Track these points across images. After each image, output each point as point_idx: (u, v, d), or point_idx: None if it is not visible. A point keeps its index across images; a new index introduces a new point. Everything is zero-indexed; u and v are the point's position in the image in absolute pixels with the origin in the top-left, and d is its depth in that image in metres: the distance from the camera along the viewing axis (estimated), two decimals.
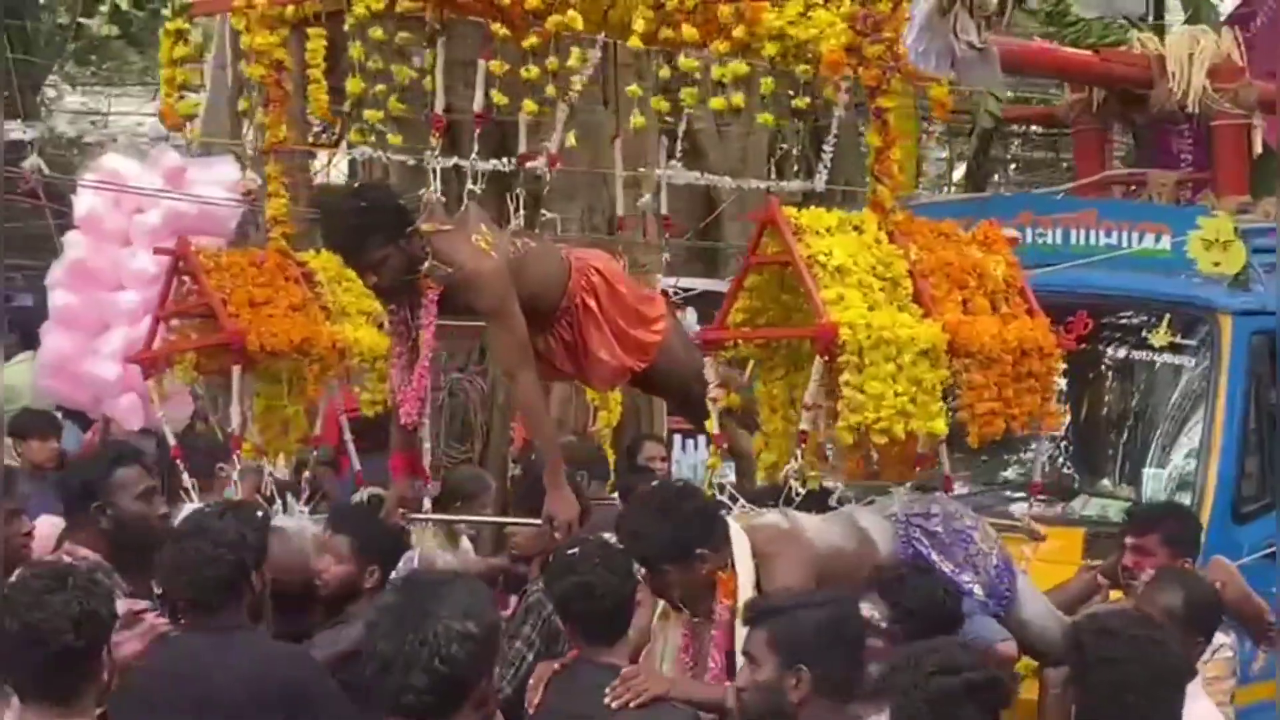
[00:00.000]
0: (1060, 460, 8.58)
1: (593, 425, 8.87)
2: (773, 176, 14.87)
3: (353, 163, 10.36)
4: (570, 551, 5.78)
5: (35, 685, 4.39)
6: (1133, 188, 10.55)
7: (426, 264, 6.32)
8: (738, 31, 6.35)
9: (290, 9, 7.34)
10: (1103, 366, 8.68)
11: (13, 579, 4.87)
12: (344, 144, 8.06)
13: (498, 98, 7.04)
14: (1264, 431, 8.24)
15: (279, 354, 7.07)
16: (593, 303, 6.76)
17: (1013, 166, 15.43)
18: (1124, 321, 8.53)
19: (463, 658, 3.79)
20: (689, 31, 6.36)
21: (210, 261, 7.19)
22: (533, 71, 6.74)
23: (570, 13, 6.54)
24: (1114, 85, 10.11)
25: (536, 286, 6.62)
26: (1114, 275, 8.51)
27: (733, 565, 5.72)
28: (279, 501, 7.16)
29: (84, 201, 10.46)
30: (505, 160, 7.42)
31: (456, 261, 6.35)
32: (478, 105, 6.93)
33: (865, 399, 5.99)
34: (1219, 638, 6.30)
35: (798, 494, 6.14)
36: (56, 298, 10.46)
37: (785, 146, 15.94)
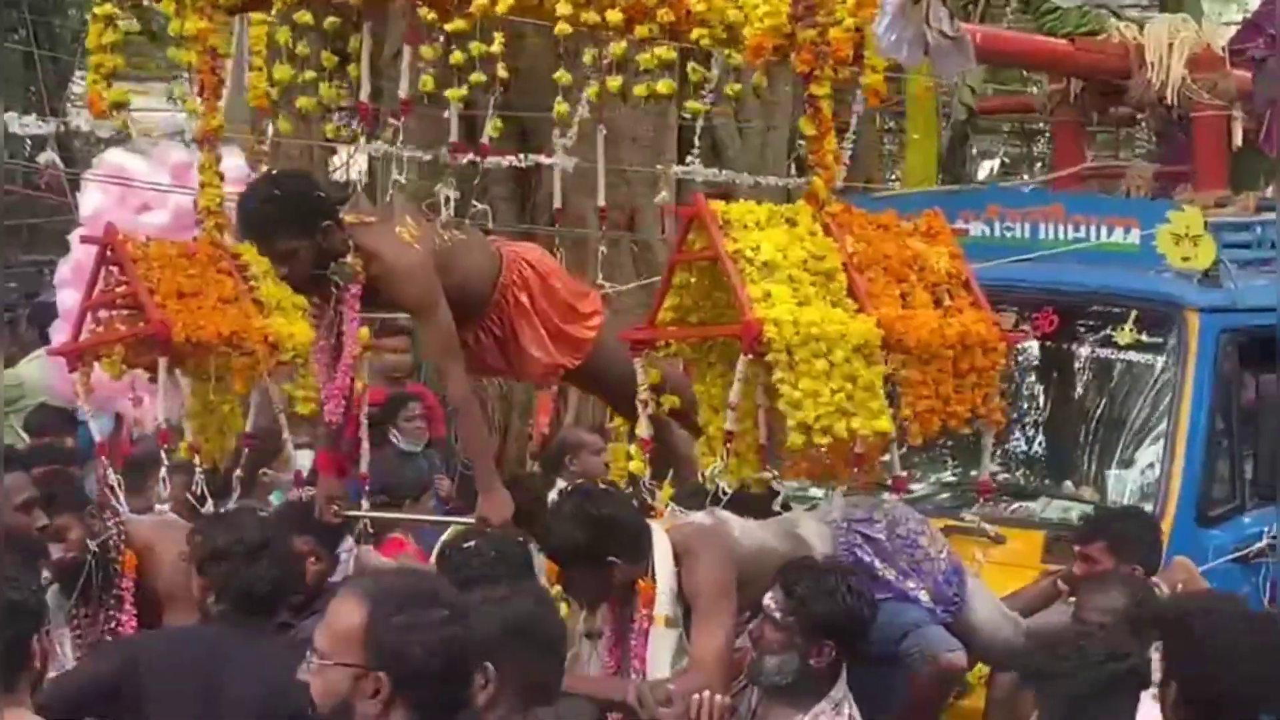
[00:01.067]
0: (1020, 460, 8.30)
1: None
2: (793, 173, 14.76)
3: (372, 159, 10.19)
4: (465, 545, 5.75)
5: None
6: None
7: (335, 261, 6.16)
8: (663, 14, 6.07)
9: None
10: (1067, 364, 8.55)
11: None
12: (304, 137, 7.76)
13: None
14: (1234, 432, 8.05)
15: (207, 347, 6.89)
16: (524, 297, 6.64)
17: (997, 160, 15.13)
18: (1089, 318, 8.37)
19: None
20: (614, 16, 6.11)
21: (139, 251, 7.03)
22: (458, 57, 6.47)
23: None
24: (1091, 76, 9.88)
25: (465, 279, 6.49)
26: (1080, 270, 8.32)
27: (653, 573, 5.59)
28: (209, 501, 6.95)
29: (90, 199, 10.33)
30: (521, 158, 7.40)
31: (379, 254, 6.22)
32: (403, 92, 6.69)
33: (801, 397, 5.85)
34: None
35: (724, 493, 6.00)
36: (65, 296, 10.20)
37: (805, 143, 15.86)
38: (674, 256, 6.30)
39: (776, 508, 6.27)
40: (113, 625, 6.39)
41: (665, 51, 6.32)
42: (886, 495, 6.46)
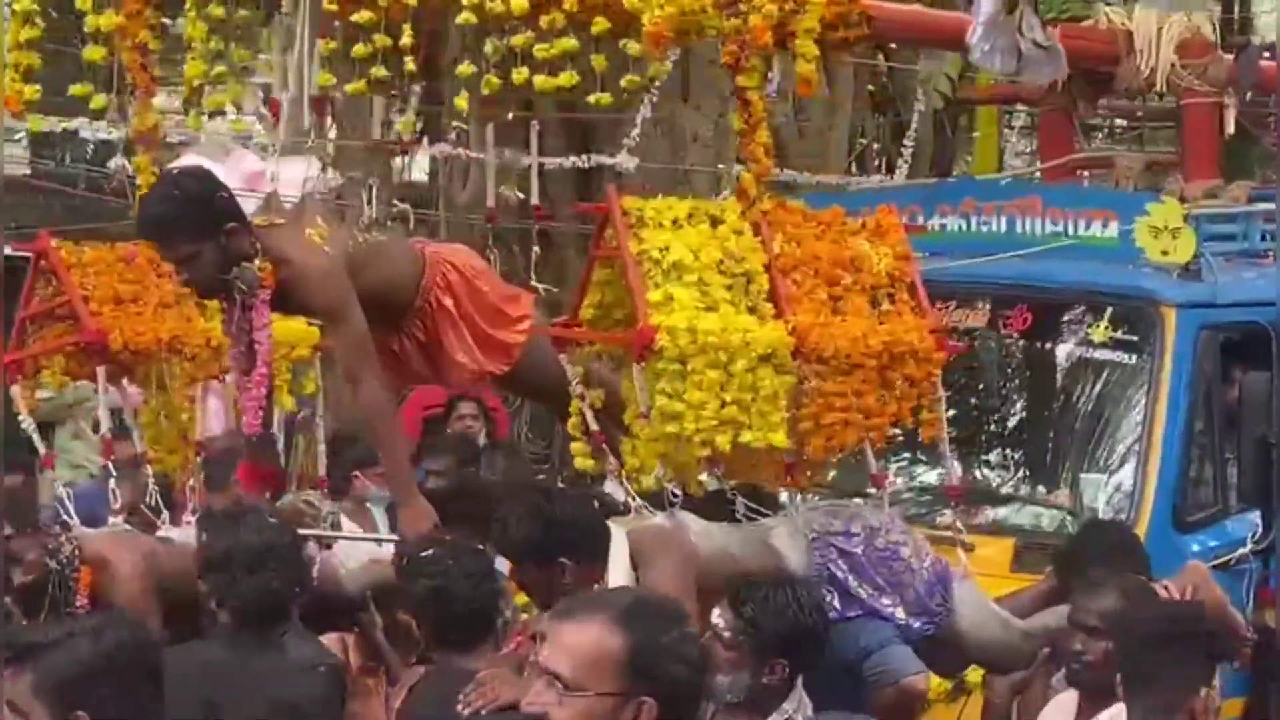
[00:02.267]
0: (992, 464, 8.04)
1: None
2: (853, 171, 14.57)
3: (434, 161, 10.05)
4: (423, 553, 5.62)
5: None
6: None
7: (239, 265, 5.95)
8: (568, 3, 5.83)
9: None
10: (1041, 363, 8.37)
11: None
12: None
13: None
14: (1215, 433, 7.81)
15: (147, 353, 6.75)
16: (448, 301, 6.41)
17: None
18: (1064, 315, 8.17)
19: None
20: (517, 4, 5.87)
21: (73, 258, 6.91)
22: (361, 51, 6.27)
23: None
24: (1077, 63, 9.53)
25: (383, 284, 6.29)
26: (1055, 266, 8.09)
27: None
28: (164, 511, 6.87)
29: None
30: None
31: (287, 258, 6.04)
32: (311, 88, 6.48)
33: (683, 408, 5.67)
34: None
35: (676, 496, 5.83)
36: None
37: (865, 141, 15.61)
38: (591, 253, 6.11)
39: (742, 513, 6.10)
40: None
41: (566, 43, 6.04)
42: (857, 500, 6.42)
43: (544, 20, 6.04)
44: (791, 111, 14.09)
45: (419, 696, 5.43)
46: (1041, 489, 7.85)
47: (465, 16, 6.14)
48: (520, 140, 12.73)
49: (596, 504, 5.74)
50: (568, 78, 6.17)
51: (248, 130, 6.96)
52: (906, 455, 7.90)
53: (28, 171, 24.39)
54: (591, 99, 6.60)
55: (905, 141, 13.52)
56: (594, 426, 6.06)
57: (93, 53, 7.14)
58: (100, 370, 6.70)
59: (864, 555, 5.90)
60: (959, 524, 7.22)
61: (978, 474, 8.11)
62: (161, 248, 6.11)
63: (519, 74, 6.30)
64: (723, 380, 5.68)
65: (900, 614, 5.89)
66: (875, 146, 16.16)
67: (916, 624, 5.92)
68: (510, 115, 7.50)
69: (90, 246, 7.09)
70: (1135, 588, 5.66)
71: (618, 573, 5.46)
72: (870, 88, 15.58)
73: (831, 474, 6.96)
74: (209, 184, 6.20)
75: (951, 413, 8.17)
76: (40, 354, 6.86)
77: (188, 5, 6.79)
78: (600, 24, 6.08)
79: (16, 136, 21.22)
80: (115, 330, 6.64)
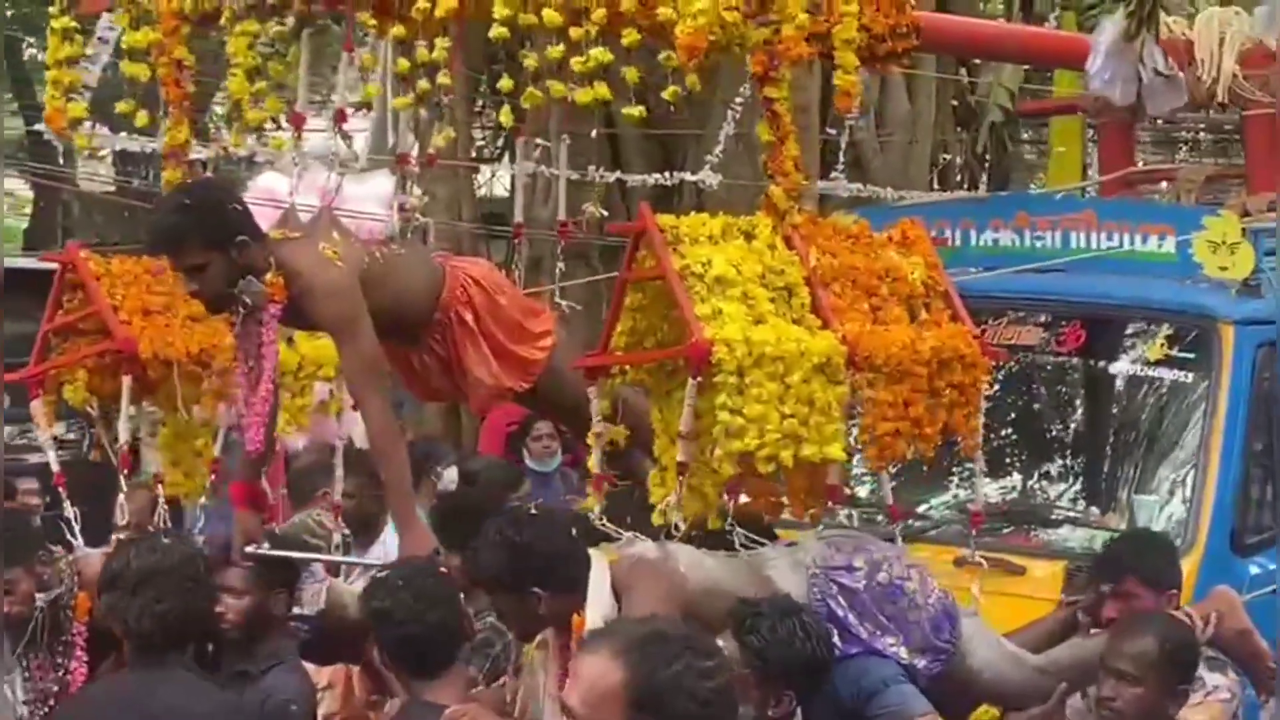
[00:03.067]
0: (1043, 485, 7.89)
1: None
2: (935, 186, 14.49)
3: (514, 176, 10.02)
4: (380, 574, 5.55)
5: None
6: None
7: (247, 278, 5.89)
8: (597, 15, 5.72)
9: (189, 4, 6.85)
10: (1095, 382, 8.16)
11: None
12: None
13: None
14: (1274, 454, 7.65)
15: (174, 363, 6.70)
16: (469, 316, 6.30)
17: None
18: (1119, 332, 8.05)
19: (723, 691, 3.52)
20: (550, 16, 5.78)
21: (101, 268, 6.89)
22: (404, 65, 6.17)
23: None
24: None
25: (400, 298, 6.18)
26: (1110, 281, 7.97)
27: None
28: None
29: None
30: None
31: (298, 271, 5.95)
32: (339, 100, 6.43)
33: (745, 423, 5.49)
34: (1215, 678, 5.89)
35: (678, 528, 5.62)
36: None
37: (948, 156, 15.52)
38: (623, 276, 5.94)
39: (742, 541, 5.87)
40: (62, 672, 6.19)
41: (600, 53, 5.91)
42: (859, 532, 6.27)
43: (575, 33, 5.88)
44: (874, 127, 14.02)
45: None
46: (1095, 510, 7.68)
47: (499, 31, 5.99)
48: (605, 158, 12.79)
49: (574, 531, 5.53)
50: (602, 90, 6.00)
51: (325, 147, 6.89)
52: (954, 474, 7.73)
53: (112, 188, 24.58)
54: (627, 112, 6.44)
55: (987, 155, 13.60)
56: (598, 467, 5.92)
57: (133, 69, 7.09)
58: (125, 382, 6.60)
59: (866, 591, 5.70)
60: (1007, 547, 7.18)
61: (1030, 494, 7.97)
62: (171, 257, 5.98)
63: (556, 88, 6.16)
64: (781, 393, 5.53)
65: (903, 653, 5.68)
66: (958, 161, 16.09)
67: (922, 663, 5.72)
68: (593, 132, 7.40)
69: (119, 258, 7.04)
70: (1174, 633, 5.46)
71: (597, 602, 5.28)
72: (954, 102, 15.52)
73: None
74: (221, 195, 6.16)
75: (1005, 431, 8.11)
76: (65, 366, 6.80)
77: (224, 20, 6.67)
78: (630, 35, 5.94)
79: (103, 154, 21.39)
80: (144, 340, 6.58)
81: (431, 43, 6.16)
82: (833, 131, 13.45)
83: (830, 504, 6.22)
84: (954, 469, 7.62)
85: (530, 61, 6.22)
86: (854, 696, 5.50)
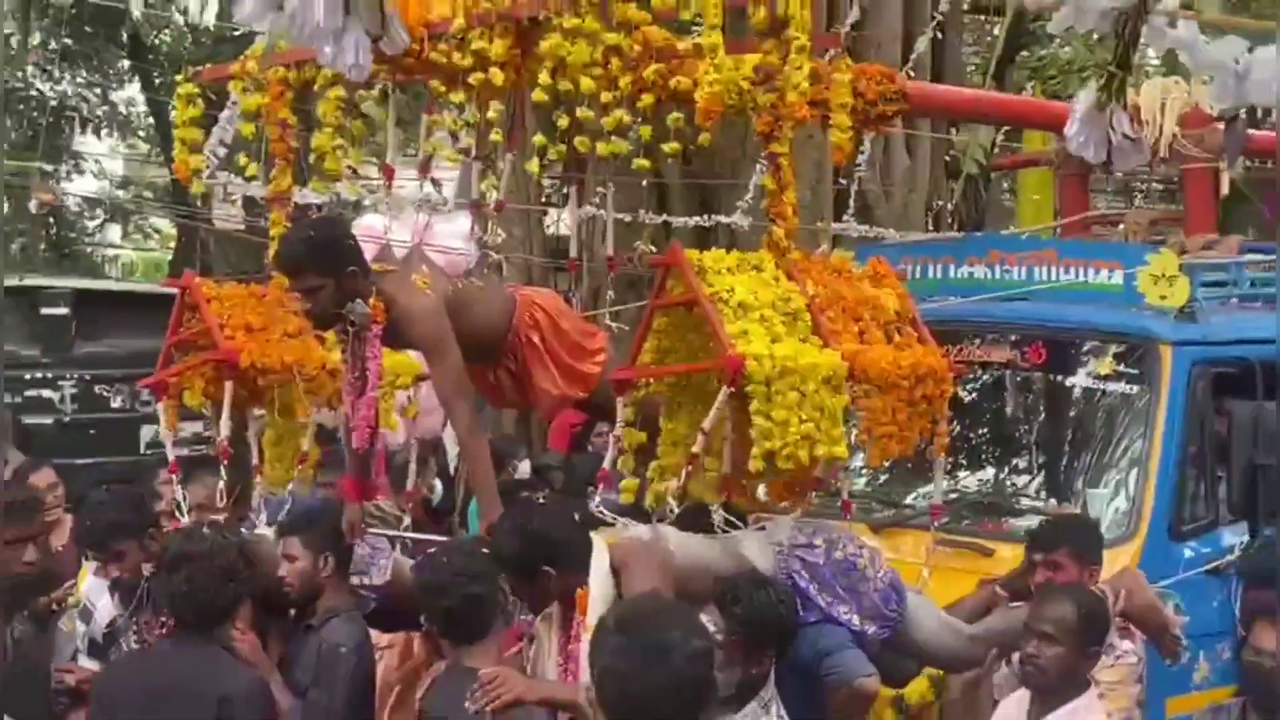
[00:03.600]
0: (1009, 480, 7.79)
1: None
2: (930, 228, 14.39)
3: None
4: (431, 550, 5.44)
5: None
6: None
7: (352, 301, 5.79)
8: (623, 82, 5.63)
9: (293, 74, 6.77)
10: (1054, 393, 7.94)
11: None
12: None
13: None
14: (1207, 455, 7.41)
15: (271, 373, 6.61)
16: (536, 337, 6.22)
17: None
18: (1075, 351, 7.80)
19: (701, 674, 3.59)
20: (586, 84, 5.68)
21: (213, 292, 6.82)
22: (459, 124, 6.09)
23: (492, 70, 6.00)
24: None
25: (479, 322, 6.10)
26: (1067, 308, 7.81)
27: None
28: (263, 515, 6.68)
29: None
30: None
31: (395, 299, 5.86)
32: (420, 159, 6.32)
33: (772, 426, 5.35)
34: (1125, 644, 5.80)
35: (672, 511, 5.51)
36: None
37: (940, 203, 15.42)
38: (653, 302, 5.78)
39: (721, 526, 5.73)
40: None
41: (621, 114, 5.79)
42: (819, 518, 5.94)
43: (606, 97, 5.75)
44: (878, 178, 13.94)
45: (432, 691, 5.19)
46: (1054, 501, 7.44)
47: (538, 94, 5.89)
48: (653, 203, 12.76)
49: (576, 517, 5.40)
50: (620, 145, 5.85)
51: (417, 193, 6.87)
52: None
53: (242, 227, 24.62)
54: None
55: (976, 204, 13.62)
56: (610, 466, 5.78)
57: (245, 128, 7.04)
58: (227, 387, 6.53)
59: (825, 566, 5.55)
60: (979, 533, 7.02)
61: (1000, 487, 7.78)
62: (291, 279, 5.91)
63: (582, 143, 6.03)
64: (799, 401, 5.38)
65: (855, 620, 5.54)
66: (949, 207, 15.99)
67: (872, 629, 5.57)
68: (644, 182, 7.34)
69: (229, 284, 6.95)
70: (1089, 602, 5.30)
71: (598, 579, 5.13)
72: (946, 159, 15.43)
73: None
74: (338, 230, 6.06)
75: (981, 433, 7.97)
76: (179, 374, 6.72)
77: (316, 88, 6.57)
78: (647, 99, 5.78)
79: (234, 197, 21.40)
80: (245, 351, 6.51)
81: (486, 105, 6.07)
82: (844, 182, 13.56)
83: (815, 492, 6.07)
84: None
85: (563, 121, 6.09)
86: (811, 658, 5.38)
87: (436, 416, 9.14)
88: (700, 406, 5.58)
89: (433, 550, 5.54)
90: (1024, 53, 13.85)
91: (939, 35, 13.82)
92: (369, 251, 7.14)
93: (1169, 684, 6.65)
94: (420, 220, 6.95)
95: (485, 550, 5.32)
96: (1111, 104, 5.15)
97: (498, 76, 5.94)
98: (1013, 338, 7.75)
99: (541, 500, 5.47)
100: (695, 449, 5.48)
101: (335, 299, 5.77)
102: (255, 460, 6.79)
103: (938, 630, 5.79)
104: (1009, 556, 6.84)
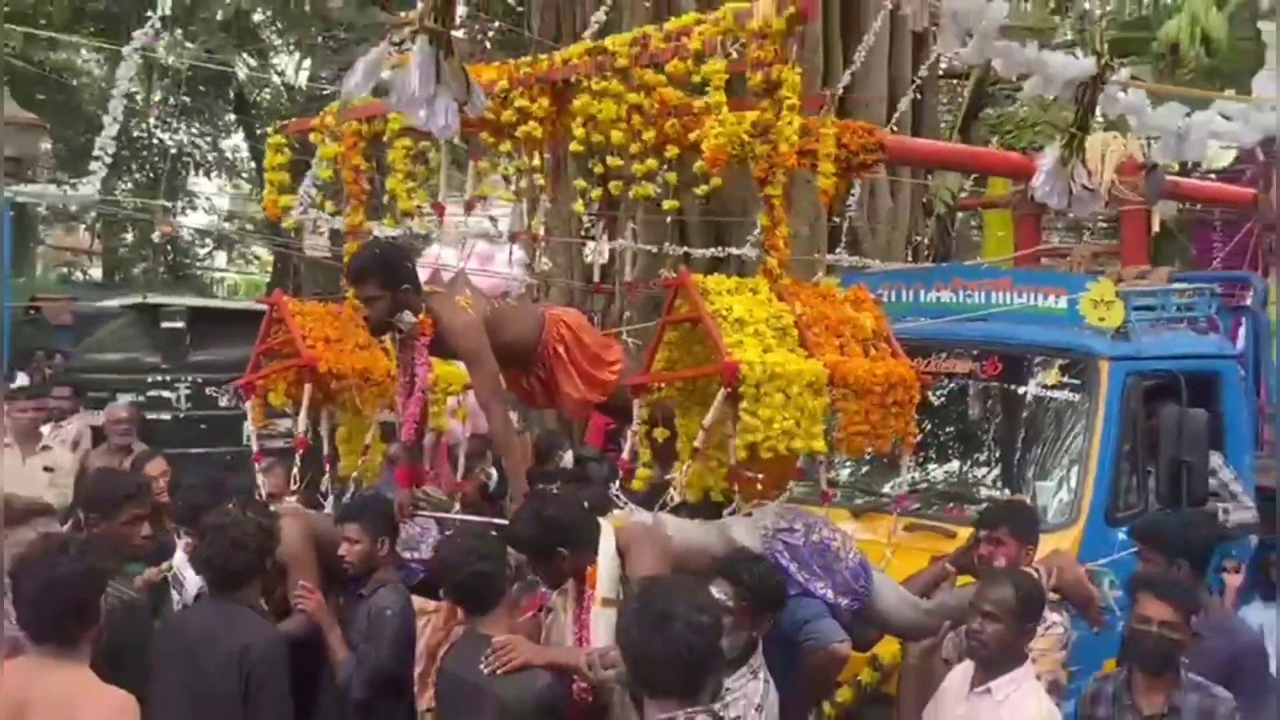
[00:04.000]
0: (969, 474, 7.76)
1: None
2: (909, 259, 14.39)
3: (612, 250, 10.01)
4: (448, 533, 5.38)
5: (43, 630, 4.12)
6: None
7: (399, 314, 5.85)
8: (646, 135, 5.66)
9: (365, 127, 6.85)
10: (1008, 400, 7.88)
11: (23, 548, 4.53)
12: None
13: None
14: (1139, 453, 7.42)
15: (343, 377, 6.71)
16: (561, 349, 6.32)
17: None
18: (1025, 364, 7.75)
19: (702, 644, 3.59)
20: (616, 136, 5.71)
21: (296, 308, 6.93)
22: (509, 169, 6.13)
23: (532, 124, 6.12)
24: None
25: (513, 336, 6.19)
26: (1019, 328, 7.79)
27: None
28: (330, 498, 6.77)
29: None
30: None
31: (440, 316, 5.95)
32: (467, 194, 6.35)
33: (758, 423, 5.39)
34: (1053, 616, 5.67)
35: (673, 499, 5.55)
36: None
37: (919, 238, 15.43)
38: (664, 319, 5.84)
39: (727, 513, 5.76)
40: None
41: (651, 163, 5.85)
42: (812, 509, 5.93)
43: (633, 148, 5.81)
44: (866, 217, 13.93)
45: (451, 654, 5.12)
46: (1008, 491, 7.40)
47: (574, 146, 5.95)
48: (675, 236, 12.77)
49: (585, 504, 5.37)
50: (647, 189, 5.92)
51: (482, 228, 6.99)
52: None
53: (329, 254, 24.67)
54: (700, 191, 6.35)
55: (948, 238, 13.57)
56: (629, 456, 5.78)
57: (323, 171, 7.10)
58: (306, 389, 6.63)
59: (804, 547, 5.55)
60: (943, 518, 7.03)
61: (963, 478, 7.76)
62: (356, 287, 6.02)
63: (615, 186, 6.10)
64: (783, 402, 5.42)
65: (830, 595, 5.53)
66: (926, 241, 15.97)
67: (844, 602, 5.57)
68: (667, 219, 7.40)
69: (311, 302, 7.03)
70: (1026, 584, 5.22)
71: (605, 558, 5.14)
72: (923, 200, 15.46)
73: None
74: (400, 254, 6.13)
75: (947, 432, 7.97)
76: (266, 377, 6.82)
77: (385, 138, 6.66)
78: (671, 150, 5.85)
79: (322, 230, 21.46)
80: (323, 359, 6.61)
81: (532, 154, 6.14)
82: (837, 220, 13.62)
83: (794, 482, 6.02)
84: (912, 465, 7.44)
85: (598, 168, 6.16)
86: (790, 626, 5.37)
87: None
88: (705, 409, 5.61)
89: (449, 532, 5.55)
90: (986, 110, 13.86)
91: (918, 96, 13.96)
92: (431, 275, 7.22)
93: (1104, 650, 6.64)
94: (469, 248, 7.02)
95: (494, 533, 5.30)
96: (1072, 160, 5.19)
97: (537, 130, 6.02)
98: (974, 353, 7.75)
99: (555, 491, 5.44)
100: (696, 444, 5.54)
101: (389, 309, 5.87)
102: (326, 452, 6.88)
103: (898, 604, 5.78)
104: (968, 538, 6.89)
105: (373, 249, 6.15)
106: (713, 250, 13.09)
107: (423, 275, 8.79)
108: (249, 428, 6.83)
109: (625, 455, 5.78)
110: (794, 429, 5.47)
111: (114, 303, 18.96)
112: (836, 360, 5.76)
